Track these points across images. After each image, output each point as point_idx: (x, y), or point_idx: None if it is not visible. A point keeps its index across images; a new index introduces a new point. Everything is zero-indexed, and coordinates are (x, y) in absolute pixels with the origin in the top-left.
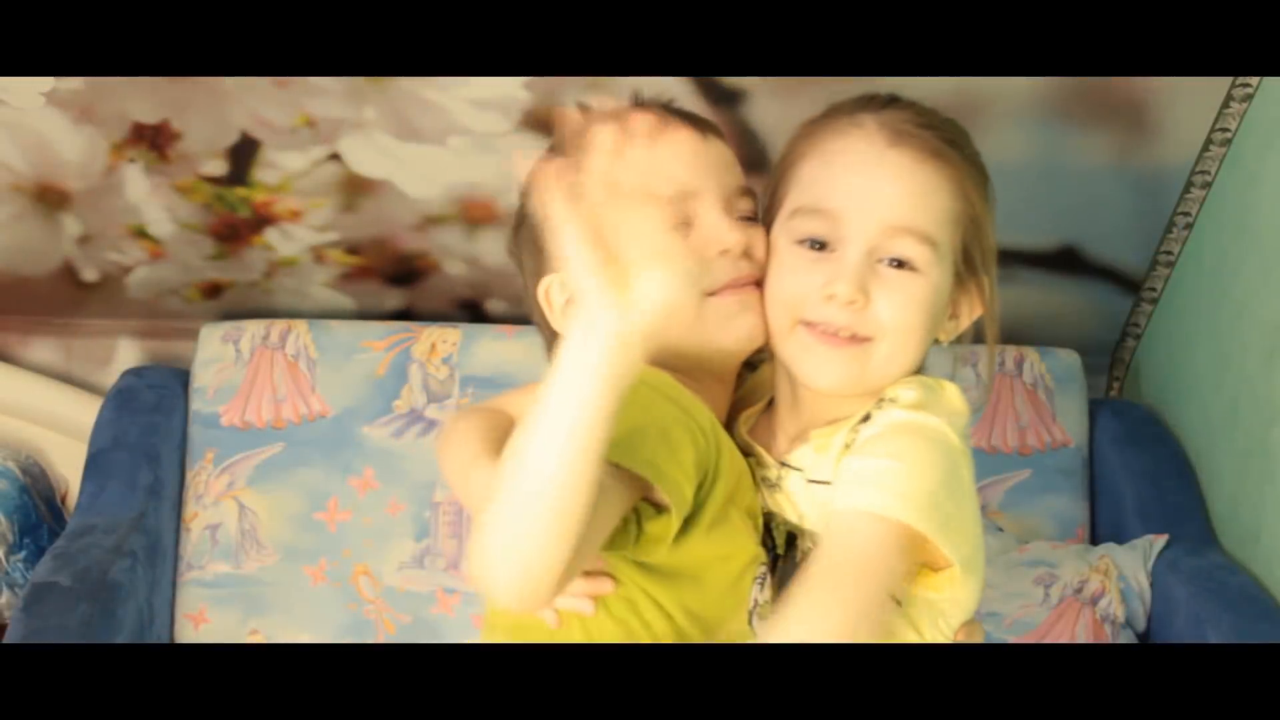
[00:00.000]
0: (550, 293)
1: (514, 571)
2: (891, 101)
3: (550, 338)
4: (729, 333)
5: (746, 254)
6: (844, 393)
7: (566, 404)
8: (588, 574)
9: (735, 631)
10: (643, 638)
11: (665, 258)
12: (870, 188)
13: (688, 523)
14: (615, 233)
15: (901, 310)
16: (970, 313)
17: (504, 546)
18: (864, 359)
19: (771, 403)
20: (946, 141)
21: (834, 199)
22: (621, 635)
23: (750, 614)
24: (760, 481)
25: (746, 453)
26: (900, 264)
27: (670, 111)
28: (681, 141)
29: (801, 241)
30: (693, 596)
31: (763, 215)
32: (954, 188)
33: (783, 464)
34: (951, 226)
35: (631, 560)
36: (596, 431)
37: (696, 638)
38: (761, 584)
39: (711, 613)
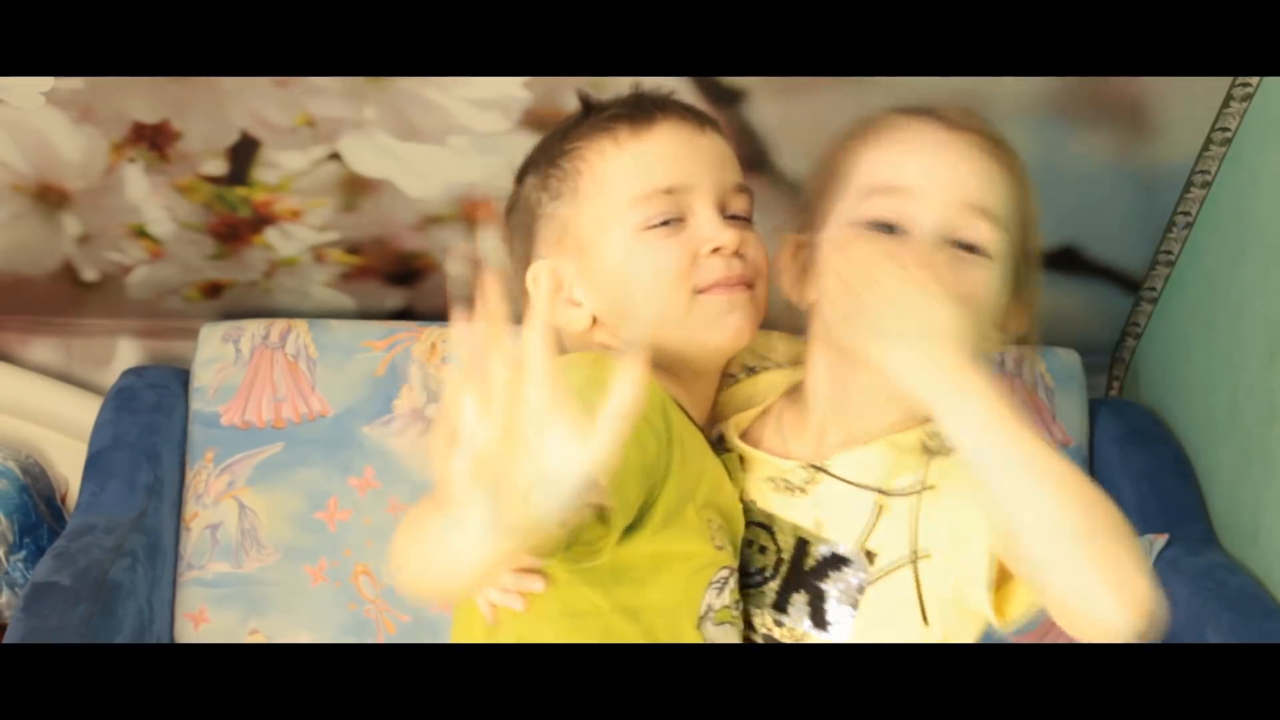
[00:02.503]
0: (539, 278)
1: (425, 590)
2: (934, 109)
3: None
4: (716, 331)
5: (738, 253)
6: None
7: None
8: (520, 570)
9: (681, 635)
10: (575, 637)
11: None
12: (943, 165)
13: (635, 522)
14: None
15: (968, 290)
16: (1017, 325)
17: (415, 575)
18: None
19: (767, 409)
20: (997, 137)
21: (908, 176)
22: (553, 635)
23: (701, 618)
24: (766, 483)
25: (724, 452)
26: (970, 249)
27: (669, 104)
28: (677, 135)
29: (867, 225)
30: (633, 596)
31: (804, 226)
32: (1015, 179)
33: (816, 467)
34: (1013, 220)
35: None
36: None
37: (634, 638)
38: (720, 589)
39: (653, 614)
